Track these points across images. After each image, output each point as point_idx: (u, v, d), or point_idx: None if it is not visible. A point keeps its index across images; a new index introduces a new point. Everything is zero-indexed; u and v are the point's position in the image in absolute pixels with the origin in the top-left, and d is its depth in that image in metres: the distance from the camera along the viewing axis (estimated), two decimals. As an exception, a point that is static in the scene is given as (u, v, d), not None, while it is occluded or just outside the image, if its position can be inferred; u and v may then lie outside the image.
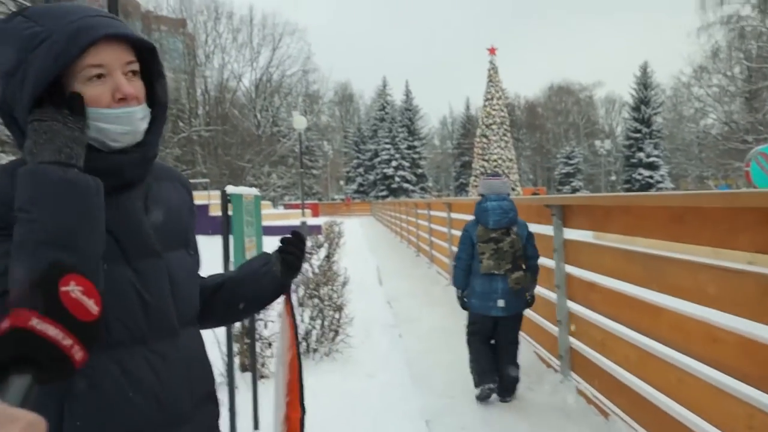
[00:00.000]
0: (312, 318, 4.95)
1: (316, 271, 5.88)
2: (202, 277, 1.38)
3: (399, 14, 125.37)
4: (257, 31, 49.43)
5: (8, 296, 0.82)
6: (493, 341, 3.97)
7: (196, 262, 1.26)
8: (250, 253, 3.08)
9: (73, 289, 0.66)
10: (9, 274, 0.87)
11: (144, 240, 1.08)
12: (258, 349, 4.27)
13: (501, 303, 3.77)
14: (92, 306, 0.67)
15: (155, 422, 1.06)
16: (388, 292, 8.35)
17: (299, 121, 17.37)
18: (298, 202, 21.04)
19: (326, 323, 5.05)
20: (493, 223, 3.81)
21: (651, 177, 49.21)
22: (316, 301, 5.05)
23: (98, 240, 0.94)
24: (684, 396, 2.48)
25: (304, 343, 4.83)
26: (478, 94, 48.01)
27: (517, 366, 3.87)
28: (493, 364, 3.87)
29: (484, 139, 36.55)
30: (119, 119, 1.03)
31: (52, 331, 0.62)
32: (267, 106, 47.68)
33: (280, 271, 1.33)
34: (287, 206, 33.62)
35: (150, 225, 1.11)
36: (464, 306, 4.05)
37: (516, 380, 3.85)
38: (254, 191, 3.28)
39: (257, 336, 4.22)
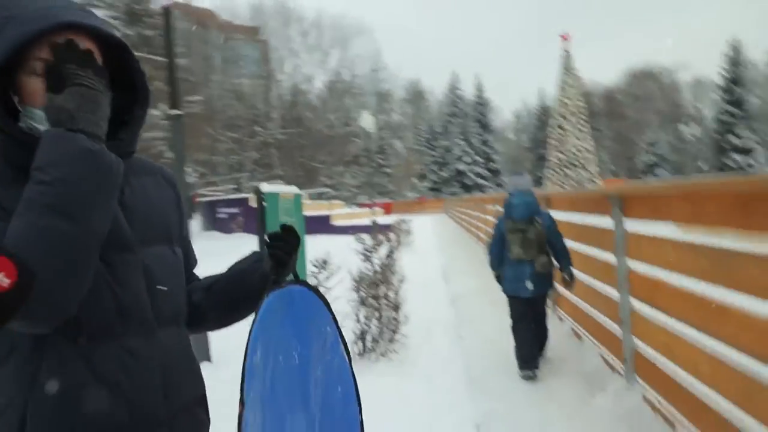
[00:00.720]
0: (367, 318, 4.89)
1: (377, 269, 5.83)
2: (198, 279, 1.35)
3: (466, 6, 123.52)
4: (327, 33, 50.37)
5: None
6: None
7: (180, 259, 1.22)
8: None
9: None
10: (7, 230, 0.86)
11: (117, 234, 1.04)
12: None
13: (530, 285, 4.40)
14: (2, 279, 0.70)
15: (122, 425, 1.01)
16: (453, 291, 8.18)
17: (367, 120, 17.43)
18: (371, 201, 21.25)
19: (383, 323, 4.98)
20: (517, 215, 4.43)
21: (748, 162, 45.73)
22: (371, 300, 4.98)
23: (106, 217, 0.94)
24: (762, 410, 2.20)
25: (360, 344, 4.79)
26: (553, 84, 46.44)
27: (546, 331, 4.72)
28: (536, 351, 4.48)
29: (560, 130, 35.30)
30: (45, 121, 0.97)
31: None
32: (339, 107, 48.40)
33: (270, 267, 1.27)
34: (361, 205, 33.94)
35: (125, 220, 1.08)
36: (499, 280, 4.74)
37: (545, 343, 4.70)
38: (294, 189, 3.25)
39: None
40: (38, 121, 0.99)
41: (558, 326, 5.43)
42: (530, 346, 4.45)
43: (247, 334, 1.07)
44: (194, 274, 1.36)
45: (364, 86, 52.01)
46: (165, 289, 1.12)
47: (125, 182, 1.10)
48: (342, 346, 1.34)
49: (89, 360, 0.99)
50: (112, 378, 1.00)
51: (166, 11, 4.06)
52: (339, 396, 1.33)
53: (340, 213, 23.00)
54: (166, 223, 1.19)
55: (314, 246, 15.57)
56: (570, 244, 4.60)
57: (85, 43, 1.00)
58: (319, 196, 30.02)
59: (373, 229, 15.99)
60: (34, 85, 0.99)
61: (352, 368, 1.34)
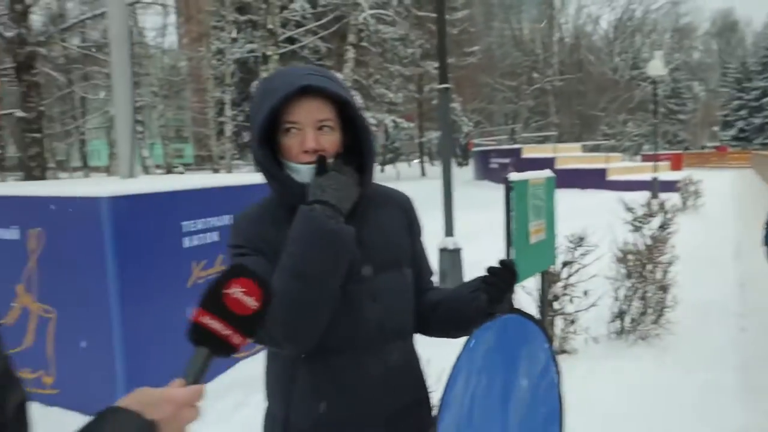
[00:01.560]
0: (627, 297, 4.63)
1: (648, 243, 5.41)
2: (432, 287, 1.50)
3: None
4: (618, -34, 45.64)
5: None
6: None
7: (408, 279, 1.38)
8: (536, 237, 3.09)
9: (234, 291, 0.86)
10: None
11: (353, 269, 1.24)
12: (561, 324, 4.27)
13: None
14: (251, 302, 0.86)
15: (352, 419, 1.28)
16: (743, 271, 7.10)
17: (654, 67, 15.64)
18: (658, 152, 19.03)
19: (647, 303, 4.66)
20: None
21: None
22: (634, 278, 4.69)
23: (338, 279, 1.19)
24: None
25: (617, 323, 4.59)
26: None
27: None
28: None
29: None
30: (300, 172, 1.23)
31: (214, 324, 0.85)
32: (626, 48, 44.06)
33: (485, 300, 1.30)
34: (644, 157, 30.81)
35: (361, 254, 1.26)
36: None
37: None
38: (546, 173, 3.23)
39: (559, 311, 4.21)
40: (294, 171, 1.23)
41: None
42: None
43: (451, 368, 1.19)
44: (430, 282, 1.50)
45: (660, 22, 46.14)
46: (392, 309, 1.30)
47: (363, 220, 1.28)
48: (554, 368, 1.39)
49: (329, 368, 1.26)
50: (346, 383, 1.27)
51: (438, -8, 4.21)
52: (541, 417, 1.38)
53: (618, 167, 21.32)
54: (397, 249, 1.36)
55: (583, 201, 14.92)
56: None
57: (319, 107, 1.21)
58: (594, 149, 28.21)
59: (653, 188, 14.58)
60: (287, 142, 1.22)
61: (560, 390, 1.38)
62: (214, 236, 3.81)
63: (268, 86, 1.22)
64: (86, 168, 35.04)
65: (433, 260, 1.78)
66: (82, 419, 0.69)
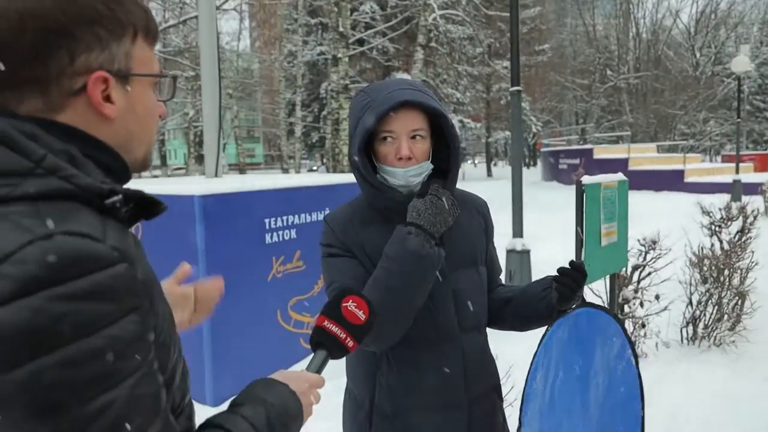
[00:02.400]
0: (701, 302, 4.53)
1: (725, 247, 5.26)
2: (500, 284, 1.63)
3: None
4: (703, -43, 43.37)
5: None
6: None
7: (483, 277, 1.51)
8: (608, 239, 3.13)
9: (349, 304, 1.06)
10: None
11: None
12: (631, 328, 4.24)
13: None
14: (361, 315, 1.05)
15: (436, 403, 1.43)
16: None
17: (739, 63, 14.88)
18: (741, 153, 18.11)
19: (723, 309, 4.55)
20: None
21: None
22: (708, 284, 4.58)
23: (425, 293, 1.34)
24: None
25: (690, 328, 4.51)
26: None
27: None
28: None
29: None
30: (395, 175, 1.36)
31: (335, 329, 1.04)
32: (709, 42, 41.89)
33: (557, 299, 1.41)
34: (725, 158, 29.22)
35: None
36: None
37: None
38: (619, 177, 3.27)
39: (629, 314, 4.19)
40: (389, 174, 1.36)
41: None
42: None
43: (529, 364, 1.32)
44: (499, 280, 1.63)
45: (747, 14, 43.56)
46: (469, 304, 1.43)
47: None
48: (630, 351, 1.50)
49: (413, 358, 1.40)
50: (428, 372, 1.41)
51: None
52: (621, 395, 1.50)
53: (697, 168, 20.36)
54: (474, 250, 1.48)
55: (658, 203, 14.35)
56: None
57: (413, 117, 1.33)
58: (671, 149, 27.03)
59: (734, 191, 13.85)
60: (384, 150, 1.35)
61: (638, 369, 1.49)
62: (293, 233, 4.06)
63: (366, 100, 1.35)
64: (164, 167, 36.90)
65: (501, 261, 1.91)
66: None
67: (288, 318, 4.08)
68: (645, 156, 21.96)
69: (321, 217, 4.32)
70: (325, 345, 1.02)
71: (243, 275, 3.69)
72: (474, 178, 27.54)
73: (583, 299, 1.43)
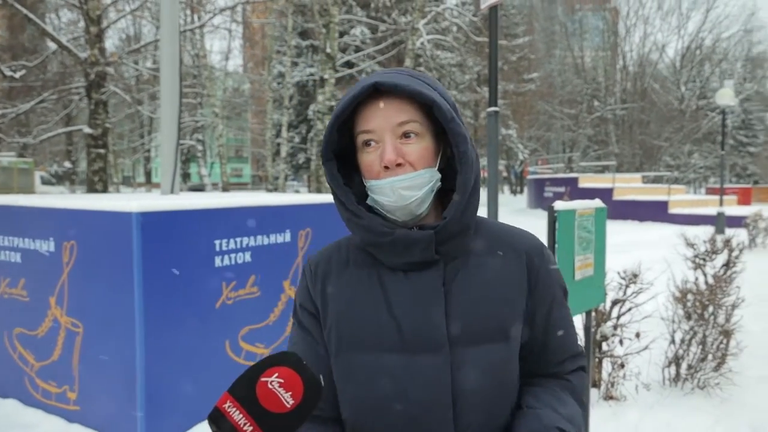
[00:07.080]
0: (684, 341, 4.26)
1: (710, 282, 5.01)
2: (529, 381, 1.07)
3: None
4: (687, -6, 44.30)
5: None
6: None
7: (513, 357, 1.01)
8: (582, 272, 2.86)
9: (272, 380, 0.74)
10: None
11: (428, 332, 0.94)
12: (609, 368, 3.96)
13: None
14: (287, 399, 0.74)
15: None
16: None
17: (724, 95, 14.93)
18: (725, 186, 18.10)
19: (707, 349, 4.28)
20: None
21: None
22: (692, 322, 4.32)
23: None
24: None
25: (672, 368, 4.22)
26: None
27: None
28: None
29: None
30: (381, 190, 0.95)
31: (237, 415, 0.73)
32: (694, 76, 42.52)
33: None
34: (709, 191, 29.39)
35: (446, 315, 0.96)
36: None
37: None
38: (596, 203, 3.01)
39: (607, 353, 3.91)
40: (375, 192, 0.96)
41: None
42: None
43: None
44: (557, 366, 1.07)
45: (731, 51, 44.35)
46: (477, 400, 0.95)
47: (456, 268, 0.99)
48: None
49: None
50: None
51: (492, 11, 4.12)
52: None
53: (681, 199, 20.35)
54: (502, 316, 0.99)
55: (641, 234, 14.25)
56: None
57: (397, 110, 0.94)
58: (655, 180, 27.11)
59: (718, 223, 13.78)
60: (366, 159, 0.96)
61: None
62: (246, 256, 3.75)
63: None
64: (149, 184, 36.46)
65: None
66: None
67: (238, 349, 3.74)
68: (630, 186, 21.98)
69: (281, 239, 4.01)
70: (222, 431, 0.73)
71: (187, 301, 3.36)
72: (460, 204, 27.35)
73: None
